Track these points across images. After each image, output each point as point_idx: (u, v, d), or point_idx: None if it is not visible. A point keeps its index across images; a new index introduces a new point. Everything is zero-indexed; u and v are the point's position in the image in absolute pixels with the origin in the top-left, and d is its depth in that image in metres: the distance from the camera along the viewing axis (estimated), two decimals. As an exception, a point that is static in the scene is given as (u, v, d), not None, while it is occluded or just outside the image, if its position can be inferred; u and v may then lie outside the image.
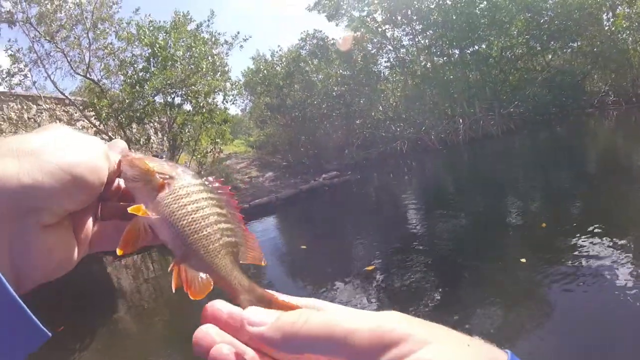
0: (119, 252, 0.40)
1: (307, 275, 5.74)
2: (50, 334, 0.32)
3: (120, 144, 0.44)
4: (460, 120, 14.55)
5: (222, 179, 0.43)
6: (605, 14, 19.62)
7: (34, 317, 0.30)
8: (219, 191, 0.42)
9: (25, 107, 12.44)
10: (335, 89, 14.79)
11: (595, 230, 4.71)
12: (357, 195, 12.05)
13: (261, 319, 0.32)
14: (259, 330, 0.31)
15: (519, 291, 3.87)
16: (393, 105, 16.00)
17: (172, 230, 0.39)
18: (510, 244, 5.23)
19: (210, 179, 0.42)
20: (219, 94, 12.68)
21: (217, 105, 12.63)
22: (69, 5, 12.92)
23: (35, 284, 0.35)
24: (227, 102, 12.94)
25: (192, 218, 0.39)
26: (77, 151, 0.36)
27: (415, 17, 15.97)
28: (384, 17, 15.95)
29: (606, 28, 19.54)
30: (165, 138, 12.74)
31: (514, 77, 17.70)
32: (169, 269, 0.40)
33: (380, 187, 12.64)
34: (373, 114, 15.26)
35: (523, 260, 4.36)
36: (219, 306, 0.35)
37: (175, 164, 0.43)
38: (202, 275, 0.39)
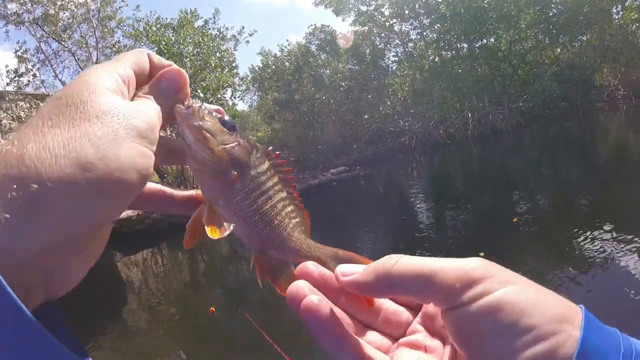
0: (185, 245, 0.37)
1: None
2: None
3: (177, 76, 0.35)
4: (469, 115, 14.44)
5: (279, 152, 0.40)
6: (615, 6, 19.33)
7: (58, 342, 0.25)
8: (281, 170, 0.40)
9: (34, 105, 12.53)
10: (343, 84, 14.73)
11: (603, 226, 4.64)
12: (366, 190, 12.02)
13: (352, 269, 0.34)
14: (352, 278, 0.33)
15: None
16: (401, 100, 15.90)
17: (245, 227, 0.38)
18: (517, 238, 5.17)
19: (271, 148, 0.40)
20: (227, 89, 12.69)
21: (226, 101, 12.65)
22: (73, 5, 13.01)
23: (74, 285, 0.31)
24: (235, 97, 12.96)
25: (264, 211, 0.38)
26: (115, 145, 0.27)
27: (422, 11, 15.83)
28: (391, 11, 15.85)
29: (615, 21, 19.27)
30: (174, 135, 12.77)
31: (523, 71, 17.52)
32: (251, 265, 0.39)
33: (388, 181, 12.60)
34: (381, 108, 15.18)
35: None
36: (310, 266, 0.36)
37: (248, 143, 0.38)
38: (285, 268, 0.39)
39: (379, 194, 11.48)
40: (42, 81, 13.58)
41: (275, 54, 15.30)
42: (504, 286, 0.28)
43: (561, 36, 18.47)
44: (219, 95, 12.72)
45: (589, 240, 4.45)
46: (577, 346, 0.26)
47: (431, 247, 5.53)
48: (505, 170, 10.32)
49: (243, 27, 12.80)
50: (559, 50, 19.25)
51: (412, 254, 0.33)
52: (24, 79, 13.15)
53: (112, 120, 0.28)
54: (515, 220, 5.63)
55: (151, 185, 0.37)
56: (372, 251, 5.96)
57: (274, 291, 0.39)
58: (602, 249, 4.15)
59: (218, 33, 12.95)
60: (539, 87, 16.18)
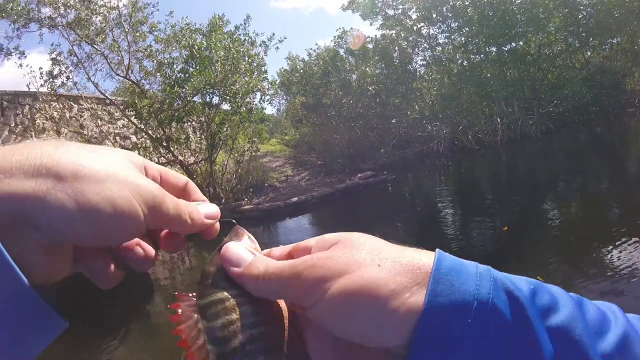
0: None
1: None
2: (67, 324, 0.31)
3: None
4: (498, 120, 14.21)
5: None
6: (646, 9, 18.76)
7: (49, 306, 0.29)
8: None
9: (67, 106, 12.79)
10: (370, 88, 14.67)
11: (631, 236, 4.50)
12: (392, 195, 11.96)
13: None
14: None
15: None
16: (429, 104, 15.74)
17: None
18: (546, 249, 5.07)
19: None
20: (256, 93, 12.79)
21: (254, 105, 12.75)
22: (104, 9, 13.26)
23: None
24: (264, 101, 13.04)
25: None
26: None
27: (450, 15, 15.67)
28: (418, 15, 15.73)
29: (647, 24, 18.70)
30: (203, 137, 12.94)
31: (553, 75, 17.15)
32: None
33: (415, 187, 12.50)
34: (409, 113, 15.05)
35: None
36: None
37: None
38: None
39: (405, 200, 11.42)
40: (75, 83, 13.84)
41: (303, 58, 15.40)
42: (346, 274, 0.29)
43: (591, 39, 18.03)
44: (248, 99, 12.82)
45: (611, 250, 4.35)
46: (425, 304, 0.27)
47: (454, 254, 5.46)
48: (534, 177, 10.16)
49: (273, 34, 12.85)
50: (589, 53, 18.79)
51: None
52: (58, 81, 13.41)
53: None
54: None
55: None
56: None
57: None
58: (627, 260, 4.04)
59: (247, 38, 13.03)
60: (569, 92, 15.81)
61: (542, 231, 5.74)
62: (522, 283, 0.29)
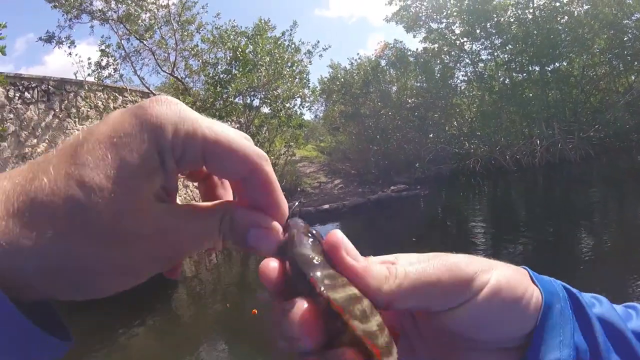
0: None
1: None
2: (70, 345, 0.27)
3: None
4: (538, 142, 13.95)
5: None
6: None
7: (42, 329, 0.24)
8: None
9: (111, 97, 13.15)
10: (410, 101, 14.63)
11: None
12: (424, 211, 11.92)
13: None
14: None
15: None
16: (468, 121, 15.58)
17: None
18: (569, 280, 4.99)
19: None
20: (297, 99, 12.93)
21: (294, 110, 12.90)
22: (154, 6, 13.54)
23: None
24: (303, 107, 13.19)
25: None
26: None
27: (494, 31, 15.46)
28: (462, 30, 15.57)
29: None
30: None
31: (595, 99, 16.72)
32: None
33: (447, 205, 12.42)
34: (447, 128, 14.96)
35: None
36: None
37: None
38: None
39: (436, 217, 11.37)
40: (121, 75, 14.17)
41: (345, 67, 15.49)
42: (490, 274, 0.32)
43: (636, 63, 17.50)
44: (288, 105, 12.98)
45: None
46: (542, 294, 0.34)
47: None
48: (569, 203, 9.98)
49: (318, 42, 12.97)
50: (633, 78, 18.23)
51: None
52: (105, 72, 13.73)
53: None
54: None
55: None
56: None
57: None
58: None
59: (292, 45, 13.16)
60: (611, 117, 15.39)
61: (567, 259, 5.69)
62: (568, 285, 0.38)
